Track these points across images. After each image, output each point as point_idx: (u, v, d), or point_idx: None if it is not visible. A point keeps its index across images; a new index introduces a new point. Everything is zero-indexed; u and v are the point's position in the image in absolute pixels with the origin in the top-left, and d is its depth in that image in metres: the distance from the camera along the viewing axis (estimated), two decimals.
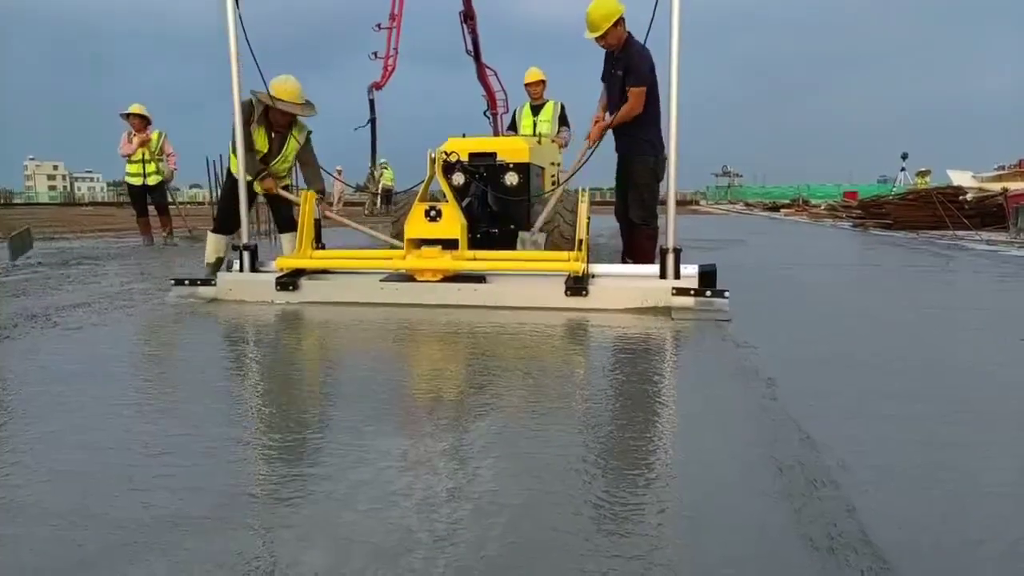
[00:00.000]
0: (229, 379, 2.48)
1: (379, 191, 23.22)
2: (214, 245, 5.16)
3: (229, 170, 5.06)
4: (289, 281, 4.03)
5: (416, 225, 4.09)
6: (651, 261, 4.60)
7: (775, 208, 25.04)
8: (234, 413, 2.03)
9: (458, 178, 4.88)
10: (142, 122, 8.36)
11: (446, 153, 4.66)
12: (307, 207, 4.35)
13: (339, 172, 19.18)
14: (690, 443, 1.76)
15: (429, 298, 3.87)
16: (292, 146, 4.99)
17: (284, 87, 4.72)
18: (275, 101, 4.70)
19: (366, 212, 22.26)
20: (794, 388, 2.19)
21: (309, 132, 5.10)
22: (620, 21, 4.56)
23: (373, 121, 13.53)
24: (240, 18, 4.12)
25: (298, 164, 5.20)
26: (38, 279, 5.04)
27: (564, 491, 1.45)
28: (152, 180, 8.51)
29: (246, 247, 4.29)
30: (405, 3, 13.23)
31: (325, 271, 4.27)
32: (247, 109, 4.66)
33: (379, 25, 13.34)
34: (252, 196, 5.05)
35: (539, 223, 4.88)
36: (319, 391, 2.30)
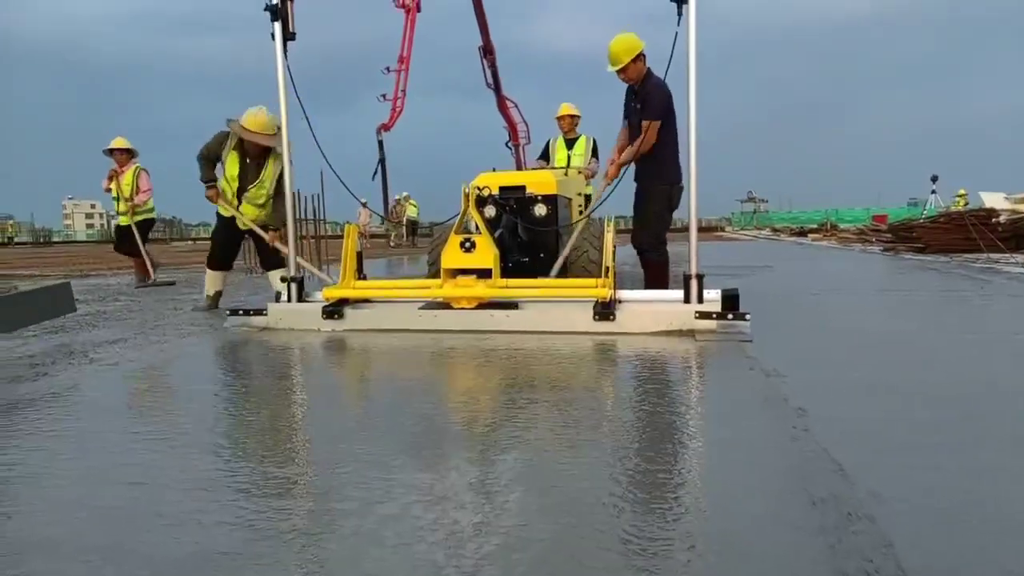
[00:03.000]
0: (260, 413, 2.51)
1: (404, 223, 23.56)
2: (212, 281, 5.46)
3: (218, 211, 5.40)
4: (334, 310, 4.25)
5: (452, 256, 4.27)
6: (662, 286, 4.67)
7: (803, 233, 24.78)
8: (264, 447, 2.05)
9: (490, 210, 5.09)
10: (126, 155, 7.90)
11: (478, 188, 4.86)
12: (350, 240, 4.54)
13: (364, 204, 19.55)
14: (720, 475, 1.73)
15: (464, 324, 4.05)
16: (269, 173, 5.23)
17: (255, 119, 5.02)
18: (245, 132, 5.00)
19: (391, 244, 22.55)
20: (826, 417, 2.14)
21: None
22: (640, 56, 4.71)
23: (382, 161, 13.87)
24: (288, 67, 4.47)
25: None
26: (75, 316, 5.18)
27: (592, 525, 1.43)
28: (123, 220, 7.92)
29: (294, 279, 4.53)
30: (415, 45, 13.56)
31: (368, 300, 4.48)
32: (221, 138, 5.11)
33: (388, 68, 13.70)
34: (240, 231, 5.40)
35: (557, 265, 4.98)
36: (350, 424, 2.31)
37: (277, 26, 4.40)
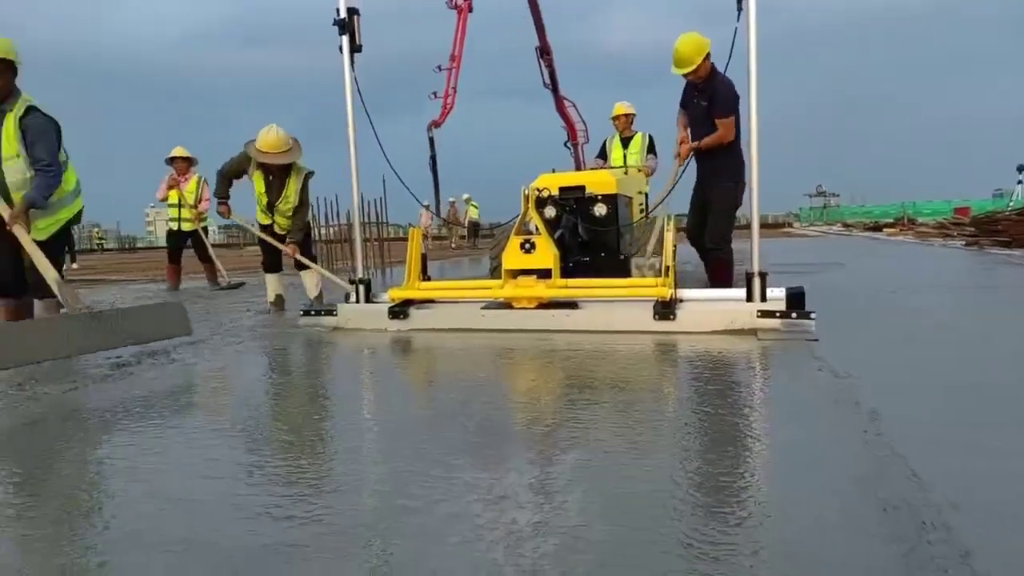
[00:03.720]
0: (329, 412, 2.60)
1: (466, 224, 23.85)
2: (270, 284, 5.78)
3: (257, 220, 5.70)
4: (400, 310, 4.39)
5: (512, 257, 4.35)
6: (727, 284, 4.59)
7: (877, 228, 23.71)
8: (333, 445, 2.13)
9: (550, 211, 5.14)
10: (185, 164, 8.23)
11: (538, 189, 4.91)
12: (414, 243, 4.70)
13: (427, 207, 19.95)
14: (786, 479, 1.69)
15: (525, 324, 4.11)
16: (292, 187, 5.45)
17: (266, 139, 5.21)
18: (259, 154, 5.23)
19: (452, 245, 22.84)
20: (899, 420, 2.06)
21: (308, 173, 5.53)
22: (707, 54, 4.64)
23: (433, 158, 14.06)
24: (356, 79, 4.63)
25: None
26: None
27: (652, 528, 1.43)
28: (186, 226, 8.28)
29: (361, 281, 4.73)
30: (466, 44, 13.73)
31: (431, 301, 4.61)
32: (243, 159, 5.36)
33: (439, 67, 13.94)
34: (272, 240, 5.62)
35: (651, 248, 4.93)
36: (414, 423, 2.36)
37: (345, 39, 4.60)
